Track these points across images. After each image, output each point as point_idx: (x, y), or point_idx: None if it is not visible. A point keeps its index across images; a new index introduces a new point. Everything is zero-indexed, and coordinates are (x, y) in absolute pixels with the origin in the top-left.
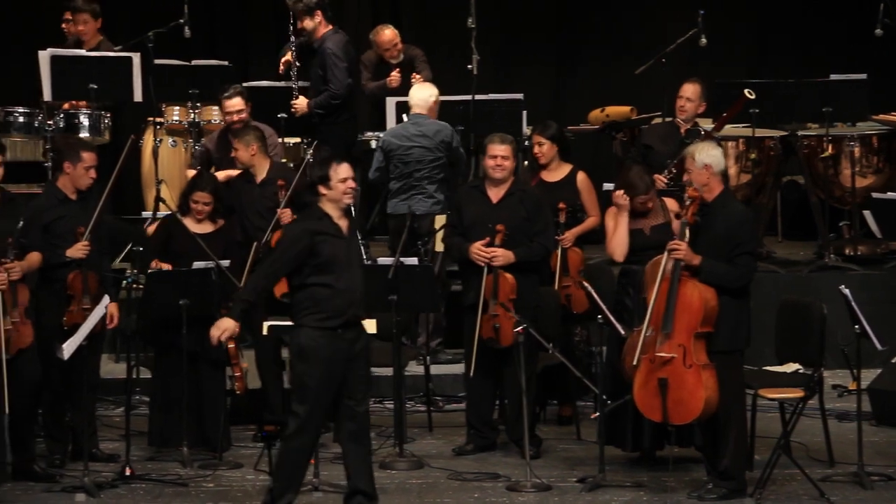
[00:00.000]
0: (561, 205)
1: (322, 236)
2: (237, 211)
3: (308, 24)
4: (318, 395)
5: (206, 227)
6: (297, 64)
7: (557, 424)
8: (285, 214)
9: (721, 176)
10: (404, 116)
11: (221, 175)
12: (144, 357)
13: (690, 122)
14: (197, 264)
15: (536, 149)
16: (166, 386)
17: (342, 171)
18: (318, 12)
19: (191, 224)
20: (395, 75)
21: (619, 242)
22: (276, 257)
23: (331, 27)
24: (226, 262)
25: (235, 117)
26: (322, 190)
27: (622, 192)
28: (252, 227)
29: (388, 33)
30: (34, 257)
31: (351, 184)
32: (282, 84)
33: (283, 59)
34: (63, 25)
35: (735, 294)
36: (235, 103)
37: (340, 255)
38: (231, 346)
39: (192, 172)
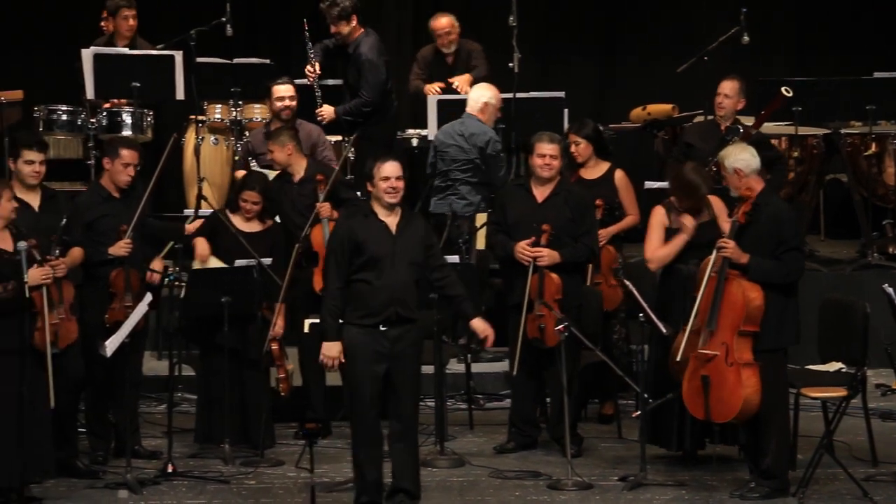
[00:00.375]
0: (598, 202)
1: (365, 233)
2: (277, 211)
3: (344, 28)
4: (363, 392)
5: (255, 227)
6: (319, 72)
7: (598, 423)
8: (324, 208)
9: (758, 174)
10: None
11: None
12: (187, 354)
13: (730, 119)
14: (238, 262)
15: (573, 147)
16: (210, 384)
17: (385, 170)
18: (354, 16)
19: (240, 223)
20: (434, 89)
21: (660, 257)
22: (333, 259)
23: (363, 29)
24: (267, 260)
25: (287, 102)
26: (369, 187)
27: (691, 218)
28: (293, 225)
29: (443, 21)
30: (76, 253)
31: (393, 182)
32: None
33: (308, 70)
34: (102, 24)
35: (782, 292)
36: (286, 89)
37: (384, 252)
38: (275, 347)
39: (241, 172)
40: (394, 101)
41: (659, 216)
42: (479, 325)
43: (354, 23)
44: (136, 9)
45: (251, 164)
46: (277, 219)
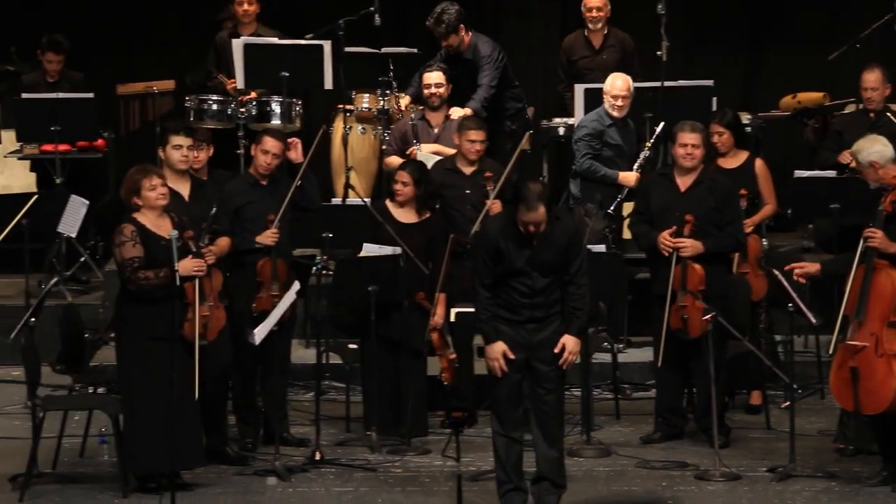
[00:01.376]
0: (742, 191)
1: (506, 239)
2: (442, 203)
3: (454, 40)
4: (504, 381)
5: (411, 217)
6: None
7: (746, 413)
8: (495, 206)
9: (894, 163)
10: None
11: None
12: (334, 343)
13: (881, 108)
14: (368, 248)
15: (716, 138)
16: (367, 372)
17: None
18: (461, 26)
19: (399, 214)
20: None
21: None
22: (479, 263)
23: (471, 33)
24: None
25: (433, 90)
26: None
27: None
28: (462, 217)
29: None
30: (224, 243)
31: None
32: None
33: (404, 104)
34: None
35: None
36: (435, 76)
37: (523, 259)
38: (435, 336)
39: (394, 159)
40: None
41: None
42: (568, 342)
43: (463, 31)
44: None
45: (413, 150)
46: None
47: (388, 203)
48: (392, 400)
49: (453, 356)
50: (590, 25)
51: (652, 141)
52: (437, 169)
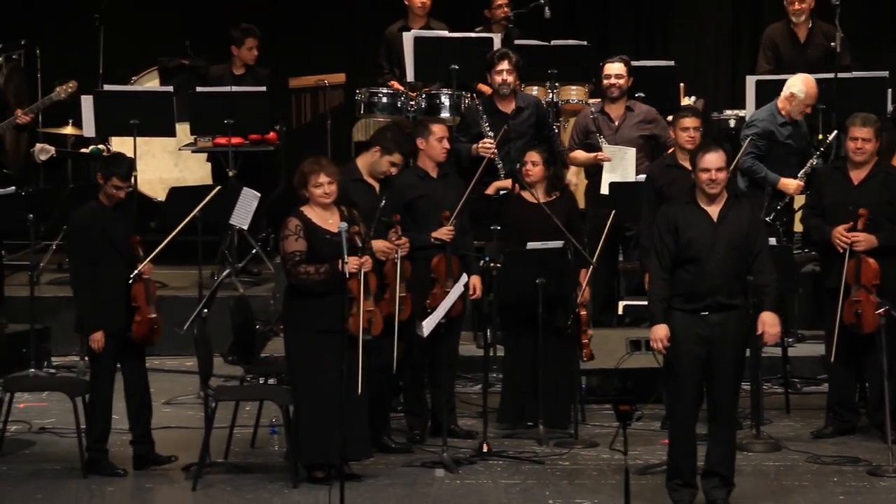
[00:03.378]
0: None
1: (685, 221)
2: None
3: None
4: (683, 375)
5: (542, 197)
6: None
7: None
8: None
9: None
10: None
11: None
12: (502, 335)
13: None
14: (532, 245)
15: None
16: (521, 364)
17: (706, 161)
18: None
19: (529, 196)
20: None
21: None
22: (656, 246)
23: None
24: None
25: (613, 80)
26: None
27: None
28: None
29: None
30: (377, 244)
31: (713, 175)
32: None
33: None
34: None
35: None
36: (615, 68)
37: (705, 240)
38: (583, 313)
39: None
40: None
41: None
42: (765, 318)
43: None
44: None
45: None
46: None
47: (520, 191)
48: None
49: (591, 332)
50: (793, 19)
51: (822, 150)
52: None
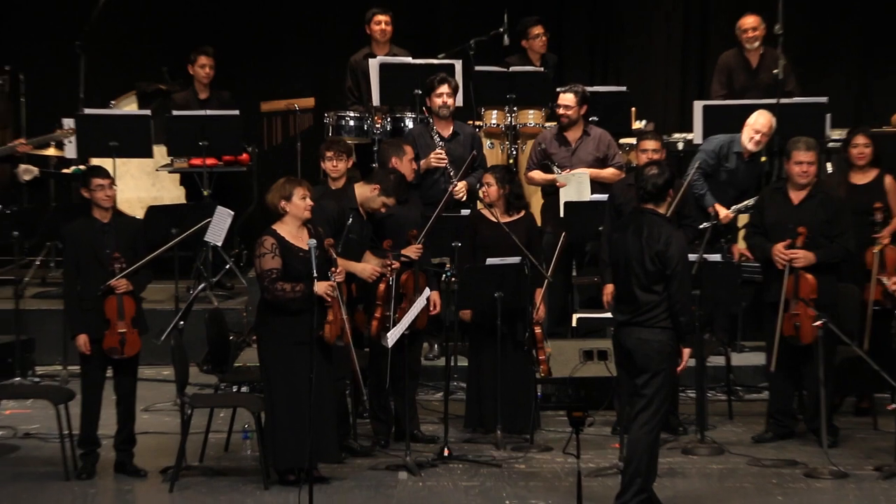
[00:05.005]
0: (877, 204)
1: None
2: None
3: None
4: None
5: (504, 217)
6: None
7: (855, 415)
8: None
9: None
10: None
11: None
12: (461, 346)
13: None
14: (491, 261)
15: (860, 150)
16: (481, 372)
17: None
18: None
19: (489, 214)
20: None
21: None
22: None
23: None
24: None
25: (563, 111)
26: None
27: None
28: None
29: (750, 19)
30: (367, 268)
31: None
32: (614, 89)
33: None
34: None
35: None
36: (565, 99)
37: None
38: (538, 330)
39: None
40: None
41: None
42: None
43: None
44: (390, 15)
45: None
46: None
47: (481, 209)
48: (508, 399)
49: (549, 350)
50: (746, 45)
51: (754, 200)
52: None
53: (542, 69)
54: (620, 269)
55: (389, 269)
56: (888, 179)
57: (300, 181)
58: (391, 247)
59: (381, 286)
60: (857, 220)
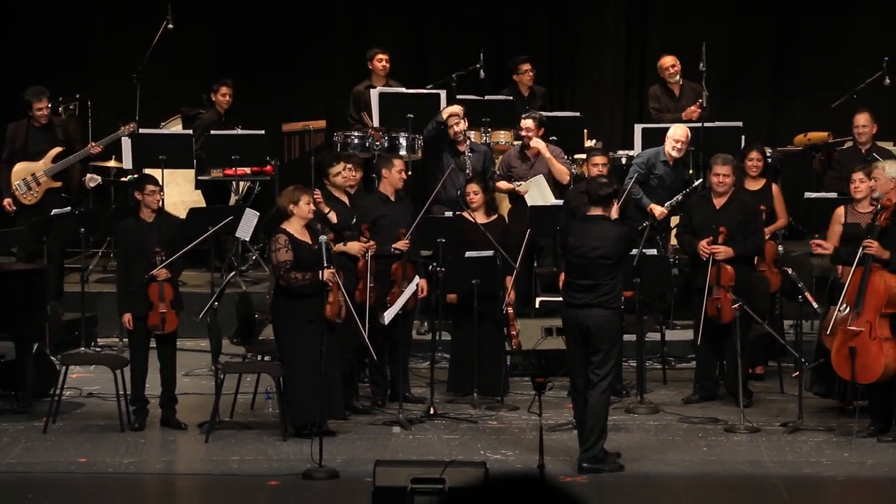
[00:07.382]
0: (762, 206)
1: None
2: None
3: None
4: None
5: (482, 219)
6: None
7: (752, 381)
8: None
9: None
10: None
11: None
12: (445, 323)
13: (869, 143)
14: (469, 254)
15: (754, 163)
16: (462, 345)
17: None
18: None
19: (479, 218)
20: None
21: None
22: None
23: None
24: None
25: (524, 133)
26: None
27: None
28: None
29: (668, 59)
30: (354, 246)
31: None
32: (570, 114)
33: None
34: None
35: None
36: (526, 124)
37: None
38: (510, 310)
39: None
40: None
41: (838, 226)
42: None
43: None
44: (389, 54)
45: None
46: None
47: (465, 214)
48: (484, 367)
49: (519, 327)
50: (669, 80)
51: (688, 190)
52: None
53: (510, 98)
54: (575, 261)
55: (368, 249)
56: (775, 187)
57: (306, 189)
58: (381, 241)
59: (360, 262)
60: None
